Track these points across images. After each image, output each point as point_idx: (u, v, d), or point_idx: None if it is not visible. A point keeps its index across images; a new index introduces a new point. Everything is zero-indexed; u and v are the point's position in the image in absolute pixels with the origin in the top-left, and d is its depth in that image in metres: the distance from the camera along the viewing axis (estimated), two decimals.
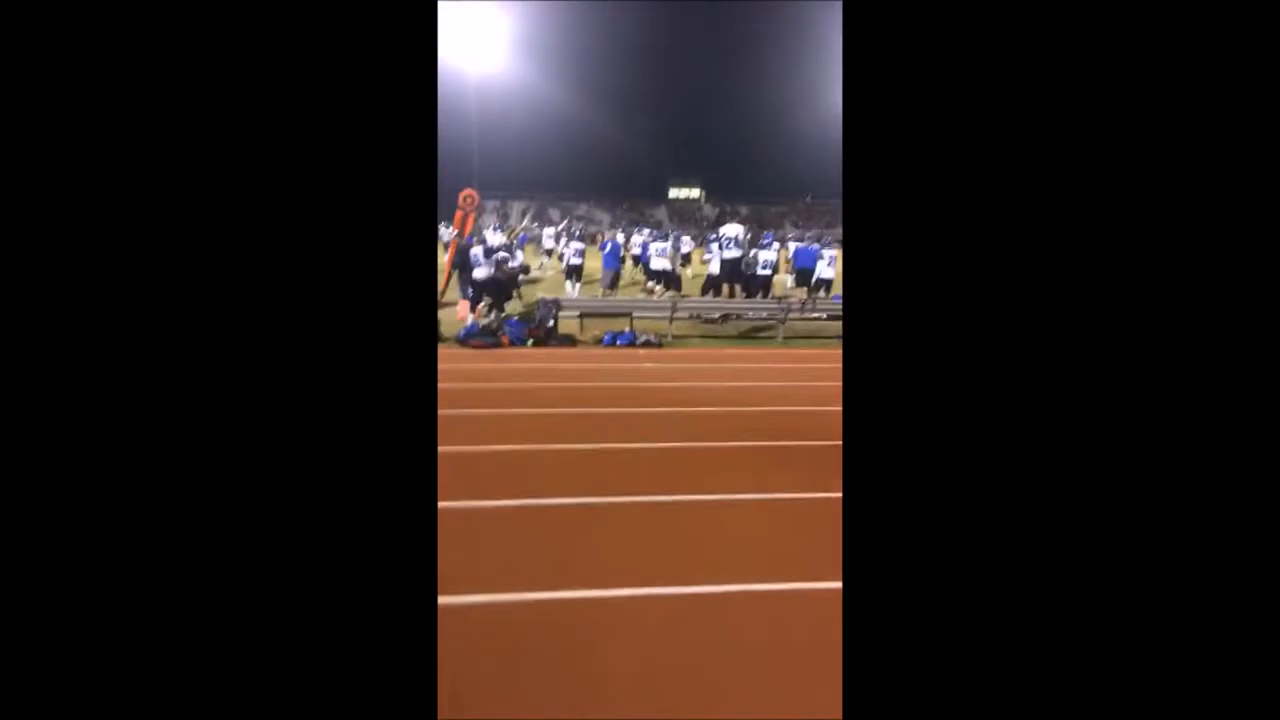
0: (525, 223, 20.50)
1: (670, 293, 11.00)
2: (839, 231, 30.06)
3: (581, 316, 8.54)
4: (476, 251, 9.09)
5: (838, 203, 40.42)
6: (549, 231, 18.80)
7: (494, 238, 11.89)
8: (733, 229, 10.75)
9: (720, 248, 10.46)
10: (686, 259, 12.74)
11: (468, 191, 9.21)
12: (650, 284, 11.93)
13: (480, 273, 8.86)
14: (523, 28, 37.17)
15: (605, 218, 39.00)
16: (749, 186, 42.95)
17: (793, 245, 12.08)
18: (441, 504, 3.26)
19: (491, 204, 42.59)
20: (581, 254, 12.16)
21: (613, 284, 11.35)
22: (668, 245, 12.02)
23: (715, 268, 10.40)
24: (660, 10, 41.79)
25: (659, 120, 43.96)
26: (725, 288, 10.36)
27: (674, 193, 44.42)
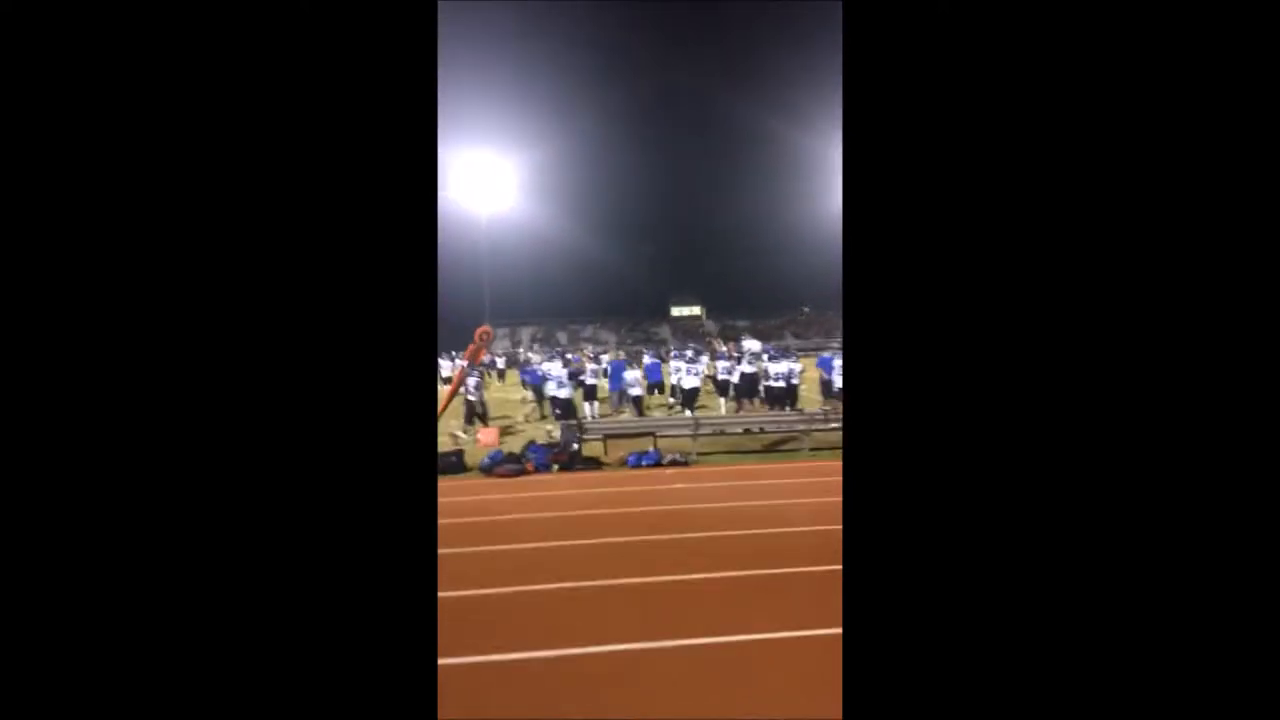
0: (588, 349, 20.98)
1: (694, 410, 11.06)
2: (837, 341, 30.61)
3: (605, 439, 8.48)
4: (560, 374, 10.87)
5: (834, 314, 41.59)
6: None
7: (553, 365, 12.46)
8: (751, 343, 11.02)
9: (741, 361, 10.68)
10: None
11: (484, 328, 9.58)
12: (672, 401, 12.01)
13: (563, 393, 10.42)
14: (529, 168, 40.37)
15: (610, 338, 40.03)
16: (747, 301, 44.58)
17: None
18: (480, 658, 3.05)
19: (502, 330, 44.10)
20: (601, 374, 12.38)
21: (626, 402, 11.44)
22: (697, 365, 12.18)
23: (735, 377, 10.62)
24: (658, 144, 45.74)
25: (659, 244, 46.66)
26: (740, 401, 10.43)
27: (676, 311, 46.03)
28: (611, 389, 11.78)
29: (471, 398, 10.41)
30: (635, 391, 11.27)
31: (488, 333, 9.79)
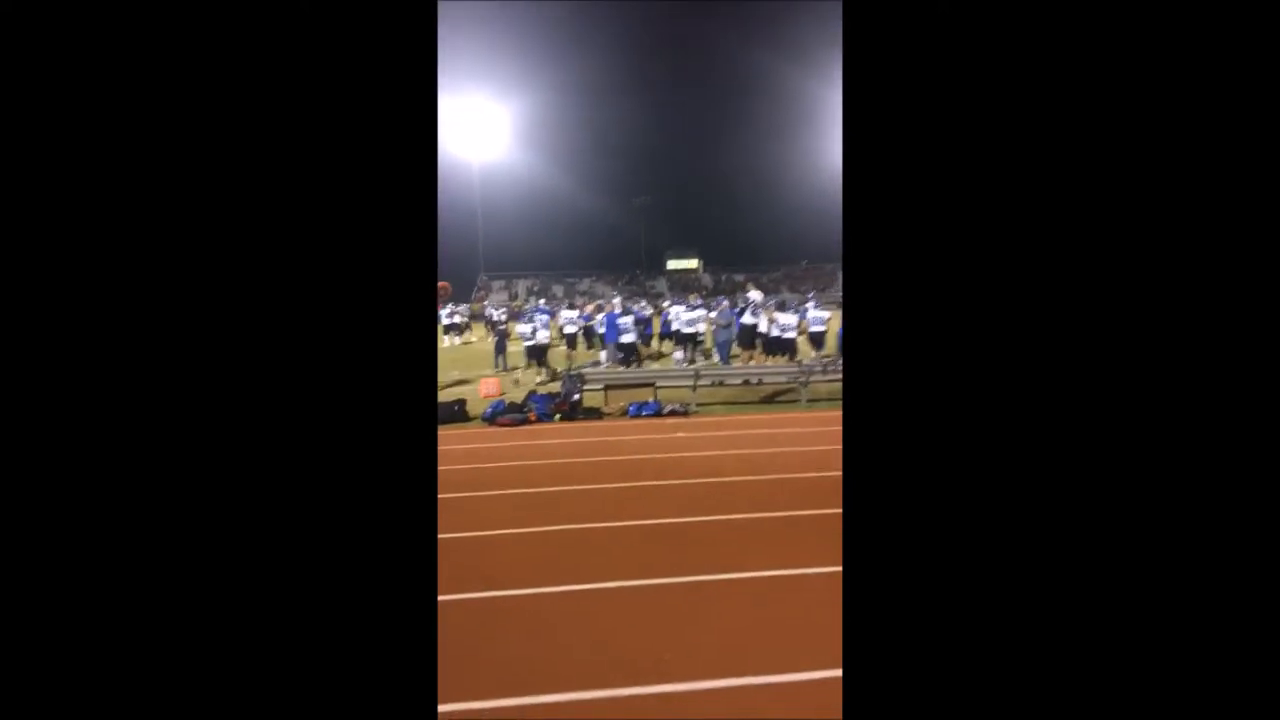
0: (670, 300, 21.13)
1: (700, 362, 11.20)
2: (832, 294, 30.56)
3: (606, 389, 8.58)
4: (626, 320, 11.27)
5: (833, 267, 41.32)
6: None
7: (571, 314, 13.00)
8: (756, 294, 11.09)
9: (746, 312, 10.74)
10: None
11: (443, 284, 9.77)
12: (676, 351, 12.15)
13: (628, 338, 11.04)
14: (522, 117, 39.03)
15: (607, 291, 39.88)
16: (744, 254, 44.17)
17: (811, 309, 12.25)
18: (498, 593, 3.18)
19: (498, 283, 43.54)
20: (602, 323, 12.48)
21: (624, 357, 11.54)
22: (706, 313, 12.27)
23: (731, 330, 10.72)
24: (657, 91, 44.41)
25: (656, 196, 45.82)
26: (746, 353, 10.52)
27: (672, 264, 45.64)
28: (608, 340, 11.88)
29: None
30: (629, 338, 11.38)
31: (445, 288, 10.14)
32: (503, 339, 12.76)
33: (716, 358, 11.33)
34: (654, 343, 13.94)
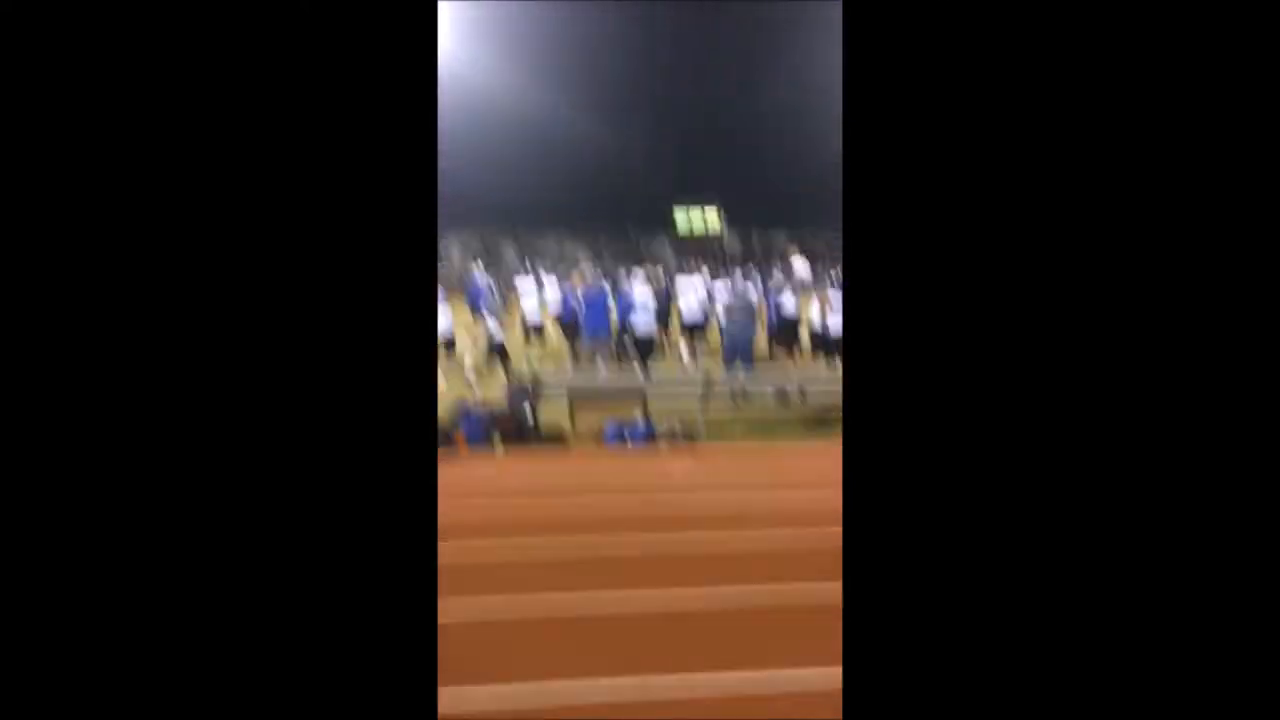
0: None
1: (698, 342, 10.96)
2: None
3: (572, 402, 8.40)
4: (641, 296, 11.18)
5: None
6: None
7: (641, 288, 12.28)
8: (800, 265, 10.89)
9: (785, 292, 10.56)
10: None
11: None
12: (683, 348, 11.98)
13: (644, 326, 10.92)
14: (479, 9, 38.84)
15: (583, 255, 39.60)
16: (783, 208, 43.51)
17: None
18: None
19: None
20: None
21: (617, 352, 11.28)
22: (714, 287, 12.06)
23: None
24: None
25: (660, 124, 44.81)
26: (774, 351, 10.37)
27: (682, 218, 45.14)
28: (587, 333, 11.44)
29: None
30: (645, 327, 10.95)
31: None
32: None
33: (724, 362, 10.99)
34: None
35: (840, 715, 1.55)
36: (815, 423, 8.81)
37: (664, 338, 12.72)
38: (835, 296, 10.60)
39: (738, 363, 10.53)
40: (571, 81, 41.87)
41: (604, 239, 42.53)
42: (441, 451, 7.34)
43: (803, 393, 9.34)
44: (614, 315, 11.79)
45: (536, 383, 8.41)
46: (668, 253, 41.49)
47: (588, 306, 11.64)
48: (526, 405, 8.05)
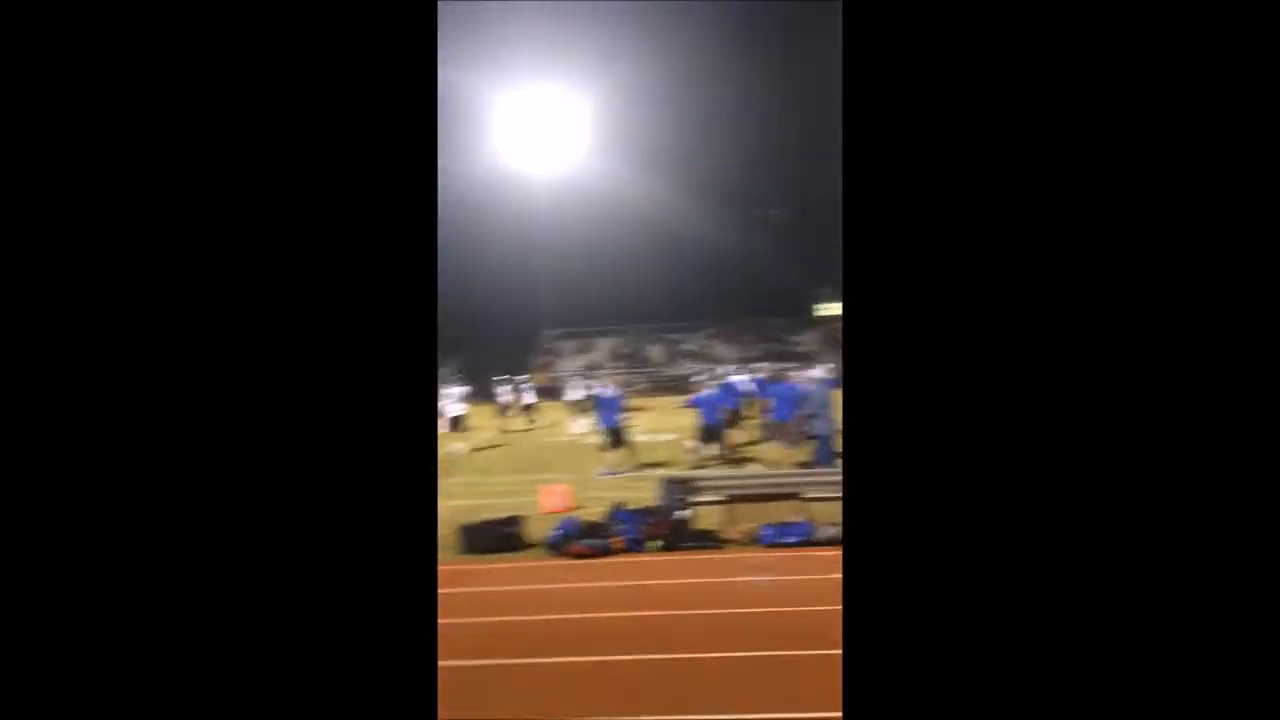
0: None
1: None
2: None
3: (730, 502, 8.36)
4: (815, 382, 11.68)
5: None
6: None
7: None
8: None
9: None
10: None
11: None
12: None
13: (822, 425, 10.89)
14: (599, 109, 40.43)
15: (727, 351, 39.75)
16: None
17: None
18: None
19: (569, 344, 44.45)
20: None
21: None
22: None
23: None
24: (784, 70, 44.62)
25: (790, 211, 45.18)
26: None
27: (823, 310, 44.75)
28: (707, 419, 11.70)
29: None
30: (823, 426, 10.89)
31: None
32: (616, 429, 12.45)
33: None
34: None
35: None
36: None
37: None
38: None
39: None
40: (701, 183, 42.79)
41: (746, 335, 42.56)
42: (595, 551, 7.42)
43: None
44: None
45: (687, 484, 8.43)
46: (812, 340, 41.01)
47: (777, 399, 11.93)
48: (681, 505, 8.07)
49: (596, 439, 13.10)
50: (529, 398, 21.30)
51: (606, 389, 14.16)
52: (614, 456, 12.33)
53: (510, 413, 20.80)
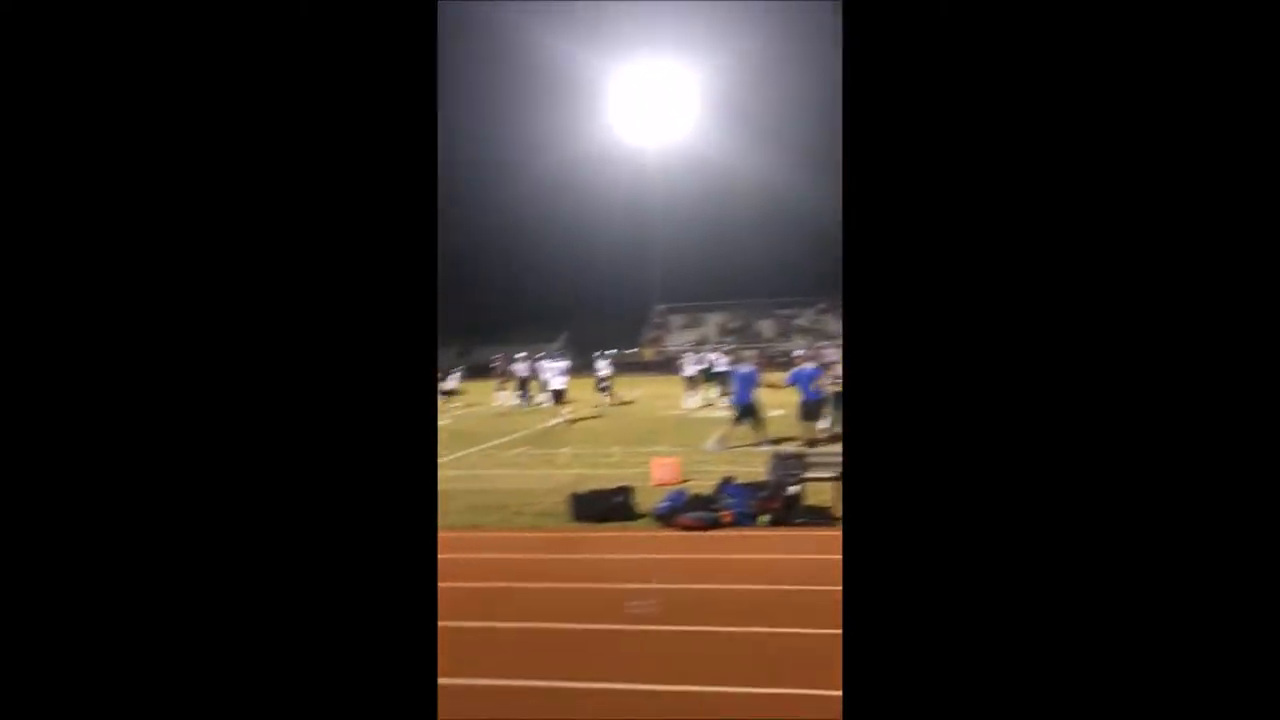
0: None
1: None
2: None
3: (840, 479, 8.17)
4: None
5: None
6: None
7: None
8: None
9: None
10: None
11: None
12: None
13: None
14: (713, 80, 39.82)
15: (839, 326, 38.84)
16: None
17: None
18: None
19: (678, 319, 44.37)
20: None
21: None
22: None
23: None
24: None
25: None
26: None
27: None
28: (807, 398, 11.64)
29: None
30: None
31: None
32: (748, 404, 12.26)
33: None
34: None
35: None
36: None
37: None
38: None
39: None
40: (816, 152, 41.78)
41: None
42: (703, 524, 7.38)
43: None
44: None
45: (800, 459, 8.28)
46: None
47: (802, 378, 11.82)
48: (791, 480, 7.93)
49: (721, 413, 13.02)
50: (605, 371, 21.74)
51: (742, 365, 14.03)
52: (741, 431, 12.21)
53: (602, 387, 21.14)
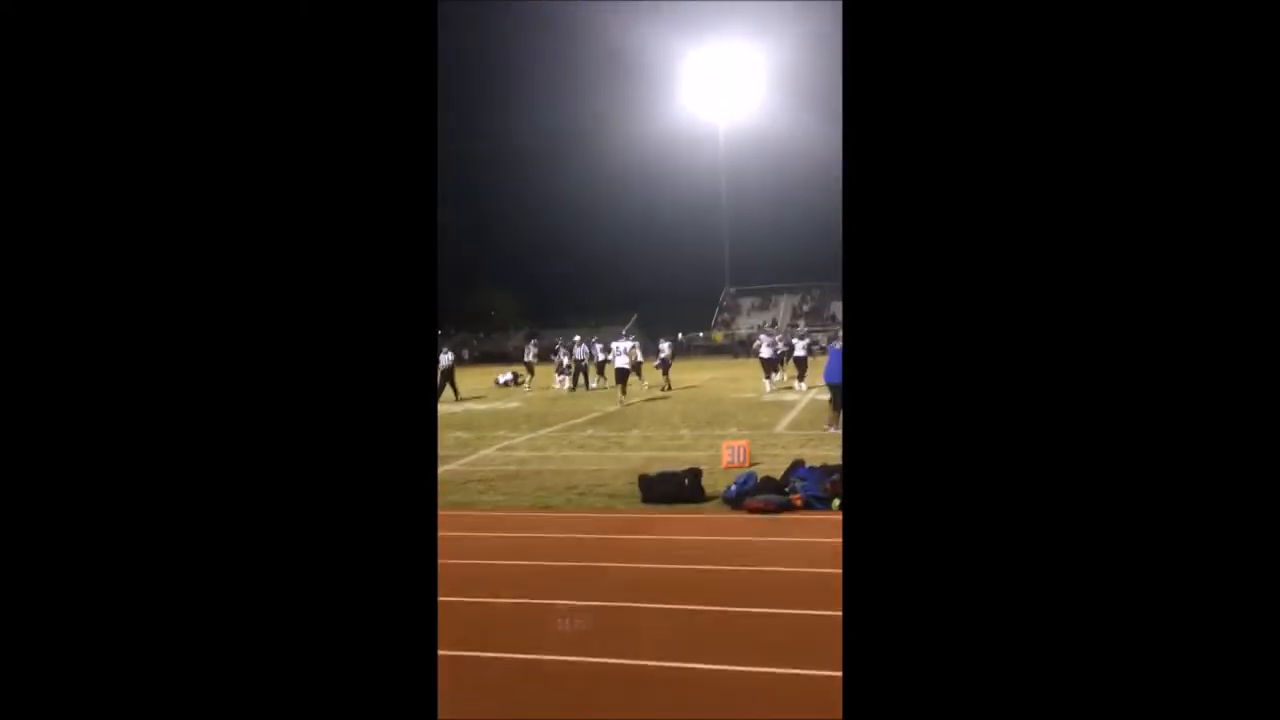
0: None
1: None
2: None
3: None
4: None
5: None
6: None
7: None
8: None
9: None
10: None
11: None
12: None
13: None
14: (781, 57, 39.28)
15: None
16: None
17: None
18: None
19: (748, 301, 43.98)
20: None
21: None
22: None
23: None
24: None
25: None
26: None
27: None
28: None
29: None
30: None
31: None
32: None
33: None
34: None
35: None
36: None
37: None
38: None
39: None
40: None
41: None
42: (773, 506, 7.29)
43: None
44: None
45: None
46: None
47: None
48: None
49: (793, 396, 12.85)
50: (666, 353, 21.70)
51: (835, 342, 13.82)
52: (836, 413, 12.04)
53: (661, 367, 21.13)
